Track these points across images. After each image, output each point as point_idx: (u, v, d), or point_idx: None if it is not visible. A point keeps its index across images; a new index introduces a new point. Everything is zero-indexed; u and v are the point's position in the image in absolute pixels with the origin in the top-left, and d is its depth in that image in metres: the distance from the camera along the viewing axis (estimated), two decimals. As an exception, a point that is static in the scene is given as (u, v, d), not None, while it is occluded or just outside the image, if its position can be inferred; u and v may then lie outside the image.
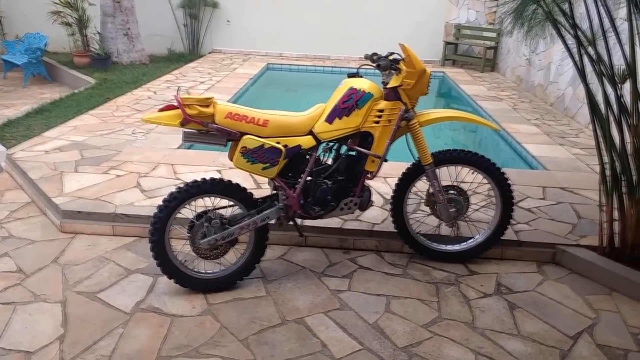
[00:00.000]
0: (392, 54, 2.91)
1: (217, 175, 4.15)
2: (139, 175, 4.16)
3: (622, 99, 3.10)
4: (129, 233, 3.45)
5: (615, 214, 3.26)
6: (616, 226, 3.27)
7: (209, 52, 11.47)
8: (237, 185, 2.83)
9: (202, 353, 2.42)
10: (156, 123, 2.66)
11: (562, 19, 3.26)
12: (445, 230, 3.37)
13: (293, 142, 2.77)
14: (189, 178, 3.97)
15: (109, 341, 2.46)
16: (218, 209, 2.86)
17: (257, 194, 3.00)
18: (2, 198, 3.95)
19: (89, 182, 3.97)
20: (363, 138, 2.91)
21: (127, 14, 9.51)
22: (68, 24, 9.27)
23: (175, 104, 2.62)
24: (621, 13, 5.34)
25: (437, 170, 3.08)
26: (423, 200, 3.32)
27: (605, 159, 3.23)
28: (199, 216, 2.80)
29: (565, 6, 3.17)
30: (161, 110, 2.66)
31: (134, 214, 3.49)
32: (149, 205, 3.57)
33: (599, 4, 3.11)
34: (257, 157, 2.71)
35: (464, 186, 3.25)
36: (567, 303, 2.95)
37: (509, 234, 3.38)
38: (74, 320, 2.60)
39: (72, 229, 3.47)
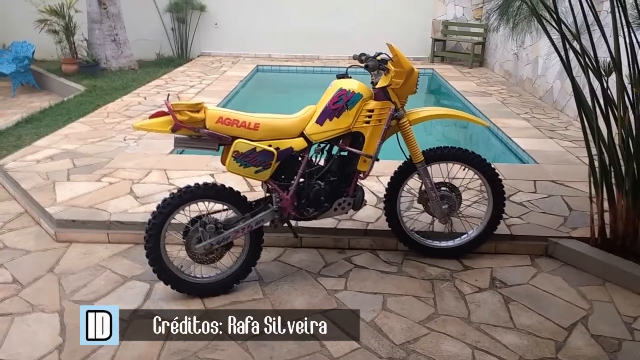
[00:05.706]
0: (380, 54, 2.93)
1: (210, 180, 4.15)
2: (132, 182, 4.16)
3: (608, 91, 3.14)
4: (124, 240, 3.45)
5: (606, 205, 3.30)
6: (607, 217, 3.32)
7: (198, 56, 11.44)
8: (231, 189, 2.84)
9: (201, 357, 2.43)
10: (147, 130, 2.67)
11: (546, 14, 3.29)
12: (438, 226, 3.39)
13: (285, 144, 2.78)
14: (182, 183, 3.95)
15: (108, 349, 2.46)
16: (212, 213, 2.87)
17: (251, 197, 3.01)
18: (-5, 209, 3.94)
19: (82, 190, 3.96)
20: (354, 138, 2.93)
21: (114, 20, 9.47)
22: (55, 32, 9.20)
23: (166, 110, 2.63)
24: (605, 5, 5.40)
25: (428, 168, 3.11)
26: (416, 198, 3.35)
27: (594, 151, 3.27)
28: (194, 221, 2.80)
29: (549, 1, 3.21)
30: (152, 117, 2.67)
31: (128, 221, 3.49)
32: (143, 212, 3.57)
33: (583, -2, 3.15)
34: (250, 160, 2.72)
35: (456, 182, 3.28)
36: (561, 295, 2.98)
37: (502, 228, 3.41)
38: (72, 329, 2.60)
39: (67, 238, 3.47)
